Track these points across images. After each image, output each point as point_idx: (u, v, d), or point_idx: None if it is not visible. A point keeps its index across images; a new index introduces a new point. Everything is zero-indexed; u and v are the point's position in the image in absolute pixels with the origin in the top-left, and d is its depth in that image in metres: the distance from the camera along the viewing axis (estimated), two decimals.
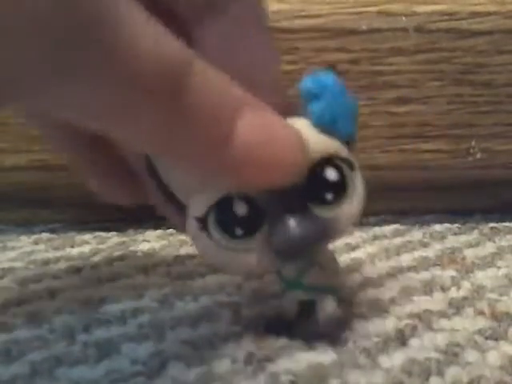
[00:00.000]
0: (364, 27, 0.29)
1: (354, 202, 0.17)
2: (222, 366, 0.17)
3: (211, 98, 0.13)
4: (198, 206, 0.16)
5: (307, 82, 0.16)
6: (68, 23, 0.11)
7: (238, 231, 0.16)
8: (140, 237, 0.30)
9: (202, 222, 0.16)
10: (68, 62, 0.11)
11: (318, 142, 0.16)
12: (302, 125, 0.16)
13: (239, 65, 0.16)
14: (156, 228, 0.31)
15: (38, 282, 0.23)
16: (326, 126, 0.16)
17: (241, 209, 0.16)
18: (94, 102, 0.12)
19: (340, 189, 0.16)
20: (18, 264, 0.26)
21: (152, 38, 0.12)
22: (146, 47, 0.12)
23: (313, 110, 0.16)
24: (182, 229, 0.19)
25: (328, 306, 0.17)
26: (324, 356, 0.17)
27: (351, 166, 0.17)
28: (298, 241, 0.15)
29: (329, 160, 0.16)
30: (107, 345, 0.18)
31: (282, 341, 0.18)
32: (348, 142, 0.17)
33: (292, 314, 0.18)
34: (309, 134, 0.16)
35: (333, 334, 0.17)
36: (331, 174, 0.16)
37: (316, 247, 0.16)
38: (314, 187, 0.16)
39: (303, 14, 0.29)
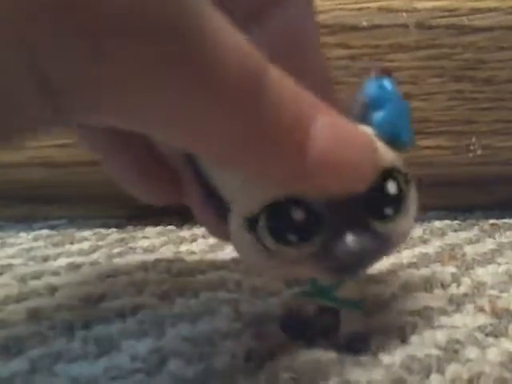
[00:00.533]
0: (365, 23, 0.29)
1: (409, 216, 0.16)
2: (222, 362, 0.17)
3: (288, 105, 0.13)
4: (248, 204, 0.15)
5: (372, 89, 0.15)
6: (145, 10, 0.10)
7: (293, 237, 0.15)
8: (140, 233, 0.30)
9: (252, 222, 0.15)
10: (149, 60, 0.10)
11: (382, 154, 0.15)
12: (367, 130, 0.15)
13: (297, 65, 0.16)
14: (156, 224, 0.31)
15: (38, 279, 0.23)
16: (390, 136, 0.15)
17: (298, 214, 0.15)
18: (178, 111, 0.11)
19: (398, 203, 0.16)
20: (17, 260, 0.26)
21: (232, 35, 0.11)
22: (230, 45, 0.11)
23: (378, 120, 0.15)
24: (216, 234, 0.18)
25: (353, 322, 0.17)
26: (324, 353, 0.17)
27: (407, 179, 0.16)
28: (358, 257, 0.15)
29: (390, 172, 0.15)
30: (107, 341, 0.18)
31: (282, 337, 0.18)
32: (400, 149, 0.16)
33: (310, 312, 0.18)
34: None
35: (356, 349, 0.17)
36: (392, 187, 0.15)
37: (372, 263, 0.16)
38: (375, 201, 0.15)
39: None
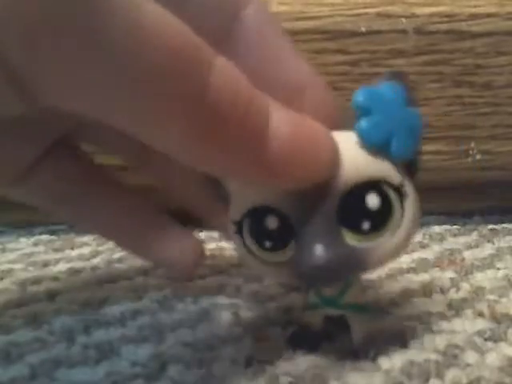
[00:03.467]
0: (363, 29, 0.29)
1: (396, 235, 0.15)
2: (222, 368, 0.17)
3: (237, 95, 0.12)
4: (235, 209, 0.16)
5: (358, 95, 0.15)
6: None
7: (267, 244, 0.15)
8: None
9: (238, 226, 0.16)
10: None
11: (363, 164, 0.14)
12: (347, 141, 0.15)
13: (270, 75, 0.16)
14: None
15: (38, 284, 0.23)
16: (375, 145, 0.14)
17: (272, 223, 0.15)
18: (117, 101, 0.11)
19: (381, 218, 0.15)
20: (17, 266, 0.26)
21: (175, 26, 0.11)
22: (169, 37, 0.11)
23: (361, 128, 0.14)
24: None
25: (362, 328, 0.17)
26: (324, 358, 0.17)
27: (402, 194, 0.15)
28: (322, 268, 0.14)
29: (374, 185, 0.14)
30: (107, 346, 0.18)
31: (282, 343, 0.18)
32: (410, 164, 0.15)
33: (318, 326, 0.17)
34: (353, 153, 0.15)
35: (367, 354, 0.17)
36: (373, 201, 0.14)
37: (344, 276, 0.15)
38: (350, 212, 0.14)
39: (303, 15, 0.29)
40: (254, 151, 0.13)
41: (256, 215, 0.15)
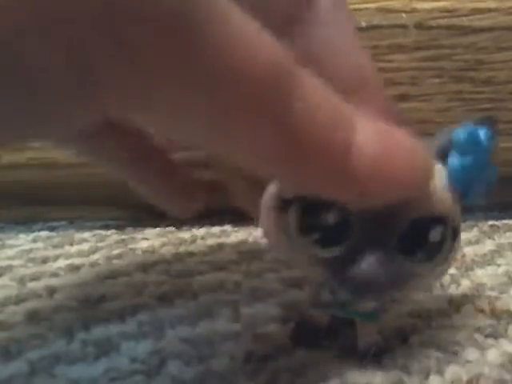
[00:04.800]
0: (363, 24, 0.29)
1: (439, 269, 0.15)
2: (222, 364, 0.17)
3: (323, 110, 0.12)
4: (288, 186, 0.15)
5: (461, 134, 0.15)
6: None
7: (316, 236, 0.15)
8: (139, 235, 0.30)
9: (285, 204, 0.15)
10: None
11: (441, 199, 0.15)
12: (437, 171, 0.15)
13: (330, 73, 0.15)
14: (155, 226, 0.31)
15: (37, 280, 0.23)
16: (459, 187, 0.15)
17: (330, 217, 0.14)
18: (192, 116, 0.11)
19: (434, 252, 0.15)
20: (16, 262, 0.26)
21: (266, 45, 0.11)
22: (256, 50, 0.11)
23: (453, 165, 0.15)
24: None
25: (370, 334, 0.17)
26: (324, 354, 0.17)
27: (455, 233, 0.15)
28: (367, 282, 0.14)
29: (440, 220, 0.15)
30: (106, 343, 0.18)
31: (281, 339, 0.18)
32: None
33: (323, 323, 0.17)
34: (438, 185, 0.15)
35: (372, 360, 0.16)
36: (435, 235, 0.15)
37: (381, 296, 0.15)
38: (413, 239, 0.14)
39: None
40: (337, 170, 0.12)
41: (313, 203, 0.14)
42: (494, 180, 0.15)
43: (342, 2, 0.16)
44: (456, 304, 0.20)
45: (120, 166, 0.20)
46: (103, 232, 0.31)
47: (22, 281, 0.23)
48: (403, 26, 0.29)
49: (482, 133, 0.15)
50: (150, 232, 0.30)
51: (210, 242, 0.28)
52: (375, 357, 0.16)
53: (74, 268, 0.25)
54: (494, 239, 0.28)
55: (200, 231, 0.30)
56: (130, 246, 0.28)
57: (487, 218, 0.32)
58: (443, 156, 0.15)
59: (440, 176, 0.15)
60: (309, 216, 0.15)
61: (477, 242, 0.28)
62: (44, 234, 0.31)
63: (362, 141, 0.12)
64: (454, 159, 0.15)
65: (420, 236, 0.15)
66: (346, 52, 0.16)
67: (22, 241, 0.30)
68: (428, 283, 0.16)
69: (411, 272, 0.15)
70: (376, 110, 0.15)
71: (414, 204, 0.14)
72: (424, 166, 0.14)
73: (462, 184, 0.15)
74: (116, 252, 0.27)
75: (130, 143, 0.19)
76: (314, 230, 0.15)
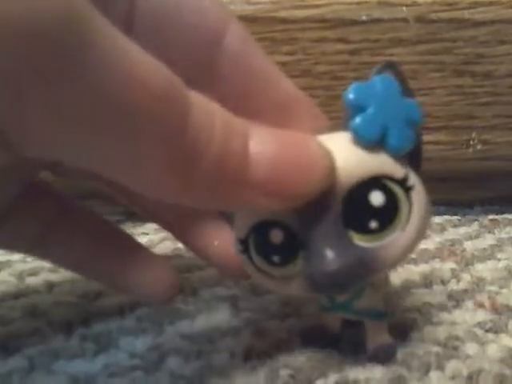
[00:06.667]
0: (364, 17, 0.29)
1: (407, 230, 0.14)
2: (221, 360, 0.16)
3: (215, 129, 0.12)
4: (239, 228, 0.15)
5: (349, 93, 0.14)
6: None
7: (275, 259, 0.15)
8: (139, 229, 0.30)
9: (244, 244, 0.15)
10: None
11: (361, 161, 0.14)
12: (341, 142, 0.14)
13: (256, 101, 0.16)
14: None
15: (36, 276, 0.23)
16: (371, 141, 0.14)
17: (276, 237, 0.15)
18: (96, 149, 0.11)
19: (389, 215, 0.14)
20: (15, 257, 0.26)
21: (158, 72, 0.11)
22: (142, 78, 0.11)
23: (354, 125, 0.14)
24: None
25: (378, 334, 0.16)
26: (323, 350, 0.17)
27: (407, 188, 0.14)
28: (335, 274, 0.14)
29: (376, 182, 0.14)
30: (105, 338, 0.18)
31: (281, 335, 0.18)
32: (412, 156, 0.15)
33: (336, 328, 0.17)
34: (349, 152, 0.14)
35: (382, 360, 0.16)
36: (376, 198, 0.14)
37: (359, 280, 0.15)
38: (356, 214, 0.14)
39: (302, 4, 0.29)
40: (235, 180, 0.13)
41: (260, 231, 0.15)
42: (416, 118, 0.14)
43: (244, 36, 0.17)
44: (456, 299, 0.20)
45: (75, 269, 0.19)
46: None
47: (20, 276, 0.23)
48: (404, 20, 0.29)
49: (378, 81, 0.14)
50: (149, 227, 0.30)
51: None
52: (385, 357, 0.16)
53: None
54: (494, 234, 0.28)
55: None
56: None
57: (487, 213, 0.31)
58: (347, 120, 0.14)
59: (347, 141, 0.14)
60: (262, 244, 0.15)
61: (477, 236, 0.28)
62: None
63: (258, 145, 0.13)
64: (354, 120, 0.14)
65: (364, 207, 0.14)
66: (266, 80, 0.17)
67: None
68: (399, 255, 0.15)
69: (377, 247, 0.14)
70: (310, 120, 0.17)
71: (338, 183, 0.14)
72: (319, 153, 0.14)
73: (375, 137, 0.14)
74: None
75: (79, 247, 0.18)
76: (271, 254, 0.15)
